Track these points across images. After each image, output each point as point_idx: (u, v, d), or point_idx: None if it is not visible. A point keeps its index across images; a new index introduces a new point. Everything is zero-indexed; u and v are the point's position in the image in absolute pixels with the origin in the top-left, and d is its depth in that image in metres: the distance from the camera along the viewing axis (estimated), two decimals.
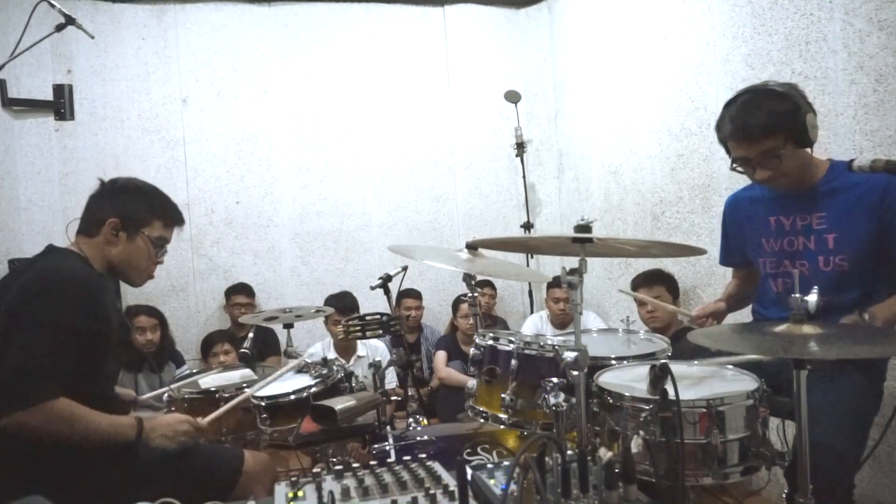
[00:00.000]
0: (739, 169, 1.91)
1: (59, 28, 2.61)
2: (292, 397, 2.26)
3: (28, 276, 1.74)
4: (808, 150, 1.86)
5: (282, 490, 1.38)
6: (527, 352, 1.80)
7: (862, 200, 1.83)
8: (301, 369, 2.49)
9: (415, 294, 4.41)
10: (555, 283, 3.80)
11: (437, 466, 1.45)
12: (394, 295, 2.96)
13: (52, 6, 2.58)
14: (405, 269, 2.99)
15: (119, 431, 1.73)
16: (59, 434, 1.64)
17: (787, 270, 1.97)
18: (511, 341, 1.84)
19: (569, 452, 1.21)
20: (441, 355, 4.18)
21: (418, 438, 2.19)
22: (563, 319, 3.94)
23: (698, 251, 1.75)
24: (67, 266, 1.77)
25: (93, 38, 2.88)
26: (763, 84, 1.90)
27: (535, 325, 4.11)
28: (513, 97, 4.61)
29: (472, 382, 1.92)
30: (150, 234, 1.91)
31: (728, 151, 1.93)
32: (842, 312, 1.78)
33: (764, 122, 1.79)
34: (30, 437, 1.62)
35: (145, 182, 1.99)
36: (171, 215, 1.98)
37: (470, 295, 2.21)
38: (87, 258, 1.85)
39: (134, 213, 1.89)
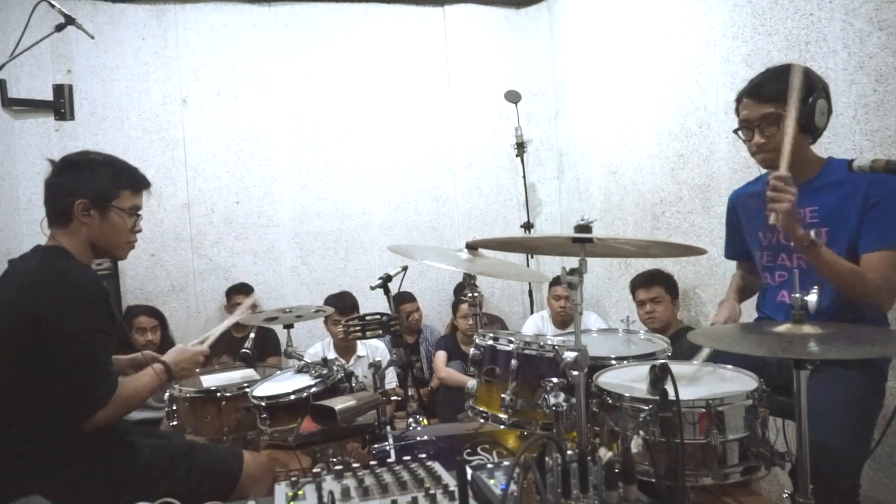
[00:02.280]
0: (741, 134, 1.95)
1: (59, 28, 2.61)
2: (292, 397, 2.26)
3: (43, 283, 1.74)
4: (809, 139, 1.89)
5: (282, 490, 1.38)
6: (527, 352, 1.79)
7: (851, 196, 1.86)
8: (301, 369, 2.49)
9: (409, 297, 4.37)
10: (557, 281, 3.80)
11: (437, 466, 1.45)
12: (393, 295, 2.96)
13: (52, 6, 2.58)
14: (405, 269, 2.99)
15: (158, 382, 1.93)
16: (129, 411, 1.84)
17: (783, 263, 2.00)
18: (511, 341, 1.84)
19: (569, 452, 1.21)
20: (441, 355, 4.18)
21: (418, 438, 2.19)
22: (565, 318, 3.94)
23: (698, 251, 1.75)
24: (73, 267, 1.79)
25: (93, 38, 2.88)
26: (802, 65, 1.93)
27: (537, 325, 4.11)
28: (513, 97, 4.61)
29: (472, 382, 1.92)
30: (122, 206, 1.88)
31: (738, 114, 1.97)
32: (833, 308, 1.78)
33: (779, 88, 1.83)
34: (107, 426, 1.75)
35: (98, 152, 1.94)
36: (136, 182, 1.94)
37: (470, 295, 2.21)
38: (72, 253, 1.83)
39: (100, 189, 1.84)
